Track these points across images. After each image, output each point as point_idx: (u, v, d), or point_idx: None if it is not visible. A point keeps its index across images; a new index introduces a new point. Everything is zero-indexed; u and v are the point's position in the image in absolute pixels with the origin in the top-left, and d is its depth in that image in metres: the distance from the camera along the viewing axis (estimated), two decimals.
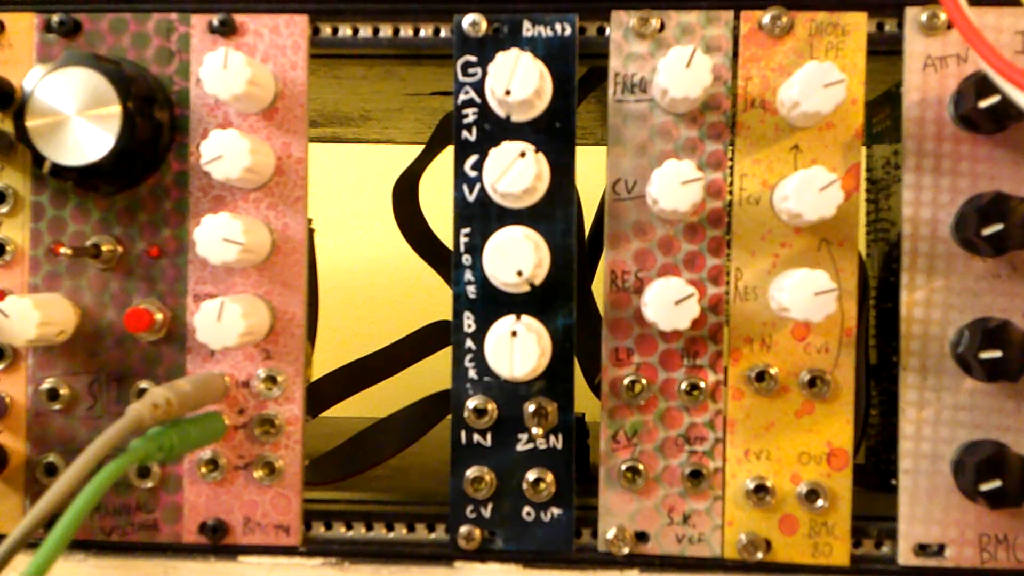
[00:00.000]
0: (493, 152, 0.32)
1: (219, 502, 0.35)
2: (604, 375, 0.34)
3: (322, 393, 0.44)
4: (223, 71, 0.32)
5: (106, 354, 0.35)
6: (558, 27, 0.34)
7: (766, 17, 0.33)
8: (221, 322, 0.32)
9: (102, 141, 0.32)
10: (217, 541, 0.35)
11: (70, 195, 0.35)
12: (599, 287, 0.35)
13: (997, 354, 0.32)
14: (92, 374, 0.35)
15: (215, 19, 0.35)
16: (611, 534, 0.34)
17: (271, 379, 0.34)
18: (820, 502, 0.33)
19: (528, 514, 0.34)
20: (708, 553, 0.34)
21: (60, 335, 0.34)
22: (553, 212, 0.34)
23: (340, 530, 0.35)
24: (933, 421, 0.33)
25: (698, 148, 0.34)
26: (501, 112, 0.34)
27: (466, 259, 0.34)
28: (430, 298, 0.72)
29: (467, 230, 0.34)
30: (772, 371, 0.33)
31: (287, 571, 0.35)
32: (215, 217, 0.32)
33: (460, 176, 0.34)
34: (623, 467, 0.34)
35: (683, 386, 0.34)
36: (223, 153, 0.32)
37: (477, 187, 0.34)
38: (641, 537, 0.34)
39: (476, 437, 0.34)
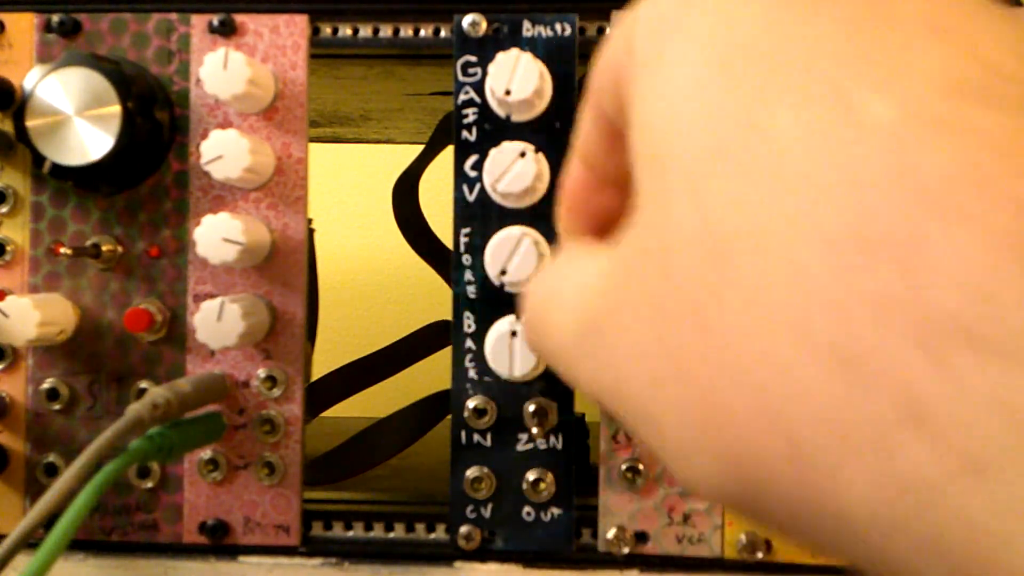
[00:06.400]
0: (493, 152, 0.32)
1: (219, 502, 0.35)
2: None
3: (322, 393, 0.44)
4: (223, 71, 0.32)
5: (106, 354, 0.35)
6: (558, 27, 0.34)
7: None
8: (221, 322, 0.32)
9: (102, 141, 0.32)
10: (217, 541, 0.35)
11: (70, 195, 0.35)
12: None
13: None
14: (92, 374, 0.35)
15: (215, 19, 0.35)
16: (611, 534, 0.34)
17: (271, 379, 0.34)
18: None
19: (528, 514, 0.34)
20: (708, 553, 0.34)
21: (60, 335, 0.34)
22: (553, 212, 0.34)
23: (340, 530, 0.35)
24: None
25: None
26: (501, 112, 0.34)
27: (466, 259, 0.34)
28: (430, 298, 0.72)
29: (467, 230, 0.34)
30: None
31: (287, 571, 0.35)
32: (215, 217, 0.32)
33: (460, 176, 0.34)
34: (623, 467, 0.34)
35: None
36: (223, 153, 0.32)
37: (477, 187, 0.34)
38: (641, 537, 0.34)
39: (476, 437, 0.34)
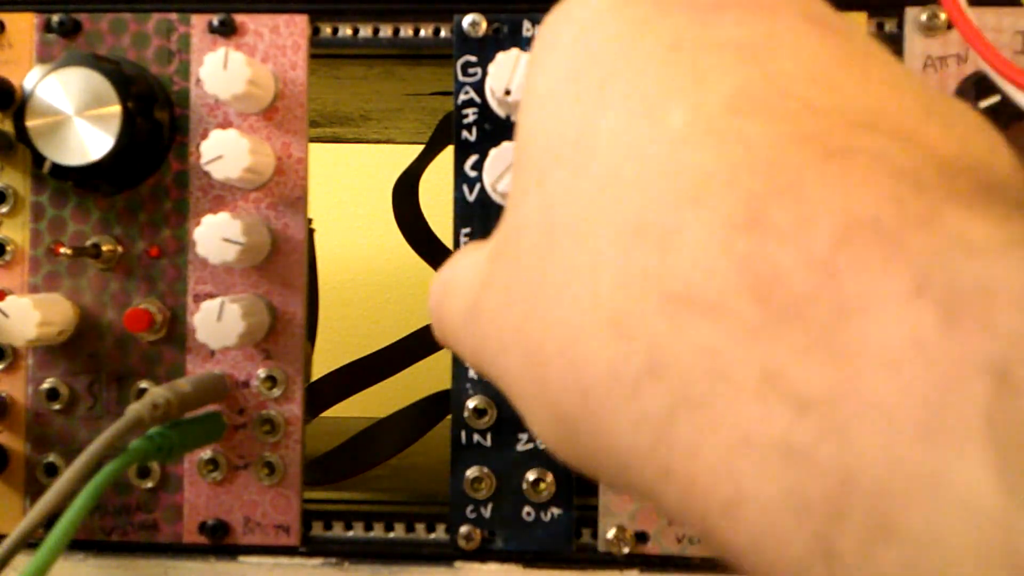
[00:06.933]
0: (493, 152, 0.32)
1: (219, 502, 0.35)
2: None
3: (322, 393, 0.44)
4: (223, 71, 0.32)
5: (106, 354, 0.35)
6: None
7: None
8: (221, 322, 0.32)
9: (102, 141, 0.32)
10: (217, 541, 0.35)
11: (70, 195, 0.35)
12: None
13: None
14: (92, 374, 0.35)
15: (215, 19, 0.35)
16: (611, 534, 0.34)
17: (271, 379, 0.34)
18: None
19: (528, 514, 0.34)
20: (708, 553, 0.34)
21: (60, 335, 0.34)
22: None
23: (340, 530, 0.35)
24: None
25: None
26: (501, 112, 0.34)
27: None
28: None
29: (467, 230, 0.34)
30: None
31: (287, 571, 0.35)
32: (215, 217, 0.32)
33: (460, 176, 0.34)
34: None
35: None
36: (223, 153, 0.32)
37: (477, 187, 0.34)
38: (641, 537, 0.34)
39: (476, 437, 0.34)
